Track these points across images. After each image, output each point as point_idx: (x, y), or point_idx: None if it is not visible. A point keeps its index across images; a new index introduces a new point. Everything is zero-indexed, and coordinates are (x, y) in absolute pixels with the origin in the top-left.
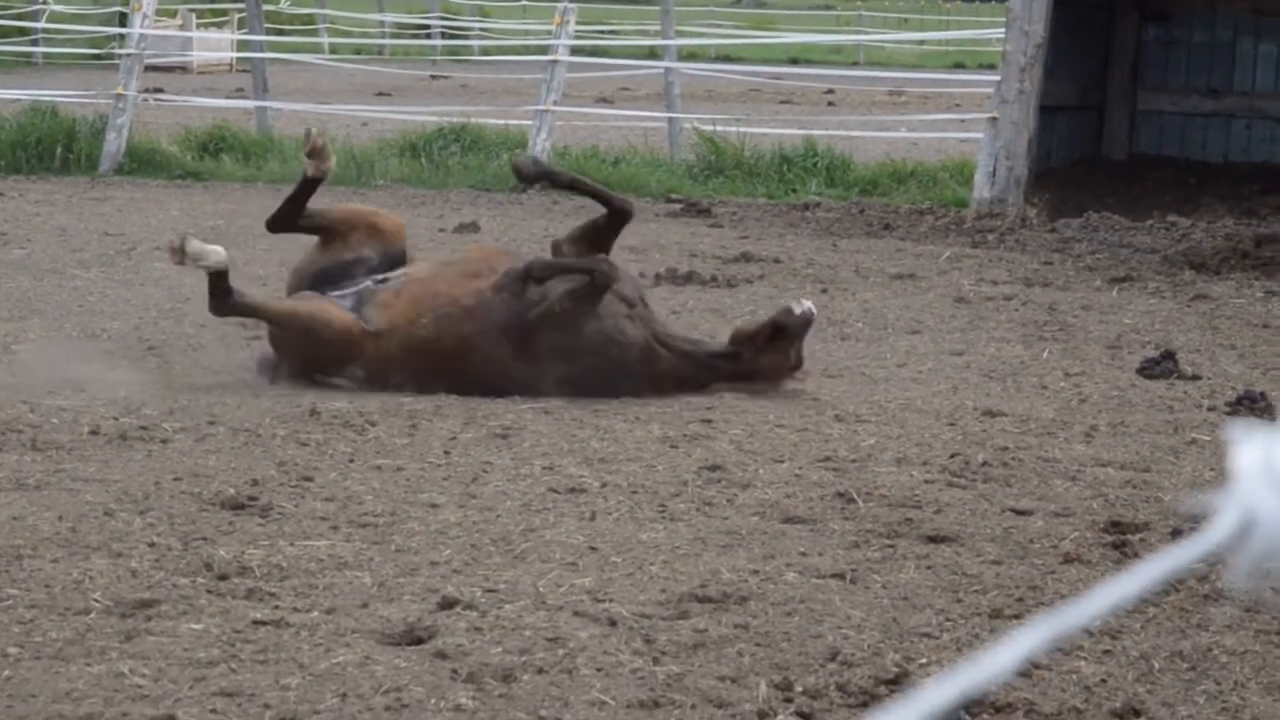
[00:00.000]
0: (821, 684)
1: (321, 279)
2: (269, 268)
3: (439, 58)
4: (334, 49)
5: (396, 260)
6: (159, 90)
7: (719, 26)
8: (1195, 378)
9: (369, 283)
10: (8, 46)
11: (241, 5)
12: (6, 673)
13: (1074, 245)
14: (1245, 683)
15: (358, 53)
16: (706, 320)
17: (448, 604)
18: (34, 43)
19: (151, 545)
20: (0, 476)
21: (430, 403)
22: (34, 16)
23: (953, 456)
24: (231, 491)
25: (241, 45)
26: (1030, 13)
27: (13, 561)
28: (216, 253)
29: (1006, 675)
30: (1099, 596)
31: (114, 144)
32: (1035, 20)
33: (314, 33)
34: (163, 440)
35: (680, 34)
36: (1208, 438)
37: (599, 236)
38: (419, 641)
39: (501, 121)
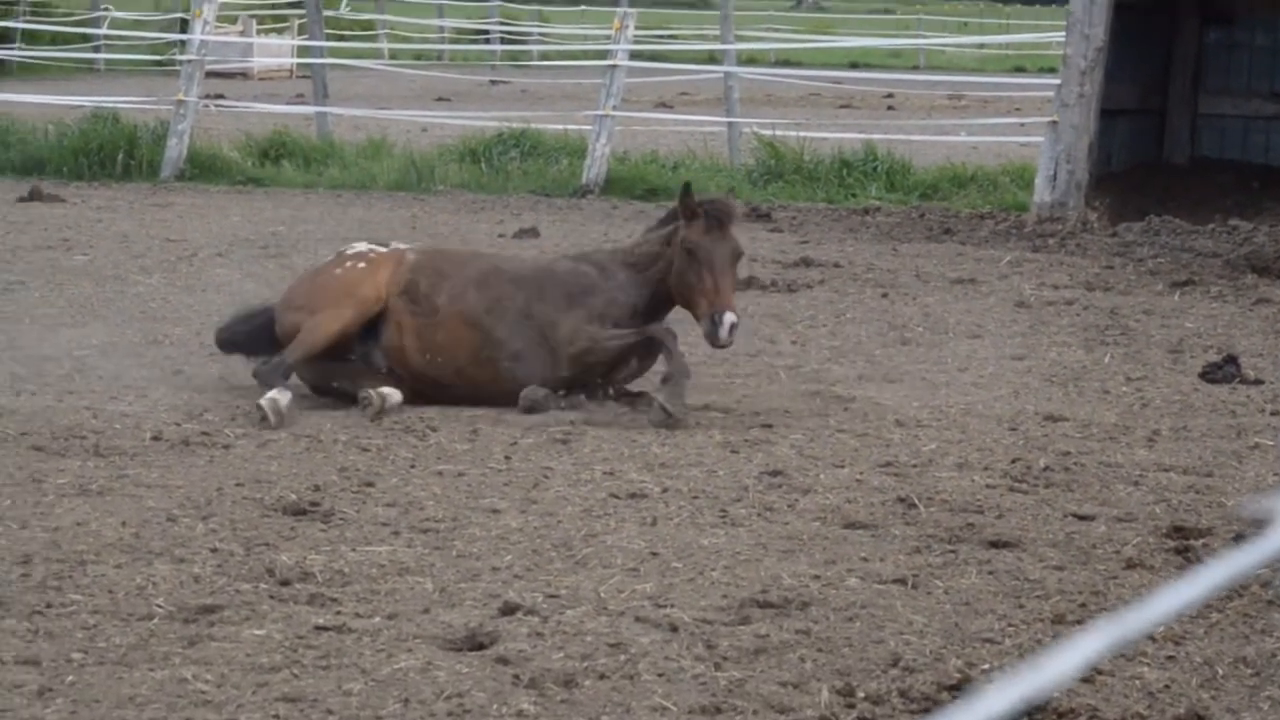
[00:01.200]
0: (883, 690)
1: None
2: None
3: (498, 63)
4: (394, 54)
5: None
6: (220, 96)
7: (778, 31)
8: (1258, 382)
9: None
10: (70, 53)
11: (302, 11)
12: (71, 678)
13: (1135, 249)
14: None
15: (417, 58)
16: (767, 325)
17: (509, 609)
18: (96, 49)
19: (214, 551)
20: (63, 482)
21: (491, 409)
22: (96, 23)
23: (1014, 461)
24: (293, 497)
25: (302, 51)
26: (1091, 16)
27: (76, 567)
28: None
29: (1070, 681)
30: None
31: (175, 150)
32: (1096, 24)
33: (374, 38)
34: (225, 446)
35: (739, 39)
36: (1270, 442)
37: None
38: (480, 647)
39: (561, 126)
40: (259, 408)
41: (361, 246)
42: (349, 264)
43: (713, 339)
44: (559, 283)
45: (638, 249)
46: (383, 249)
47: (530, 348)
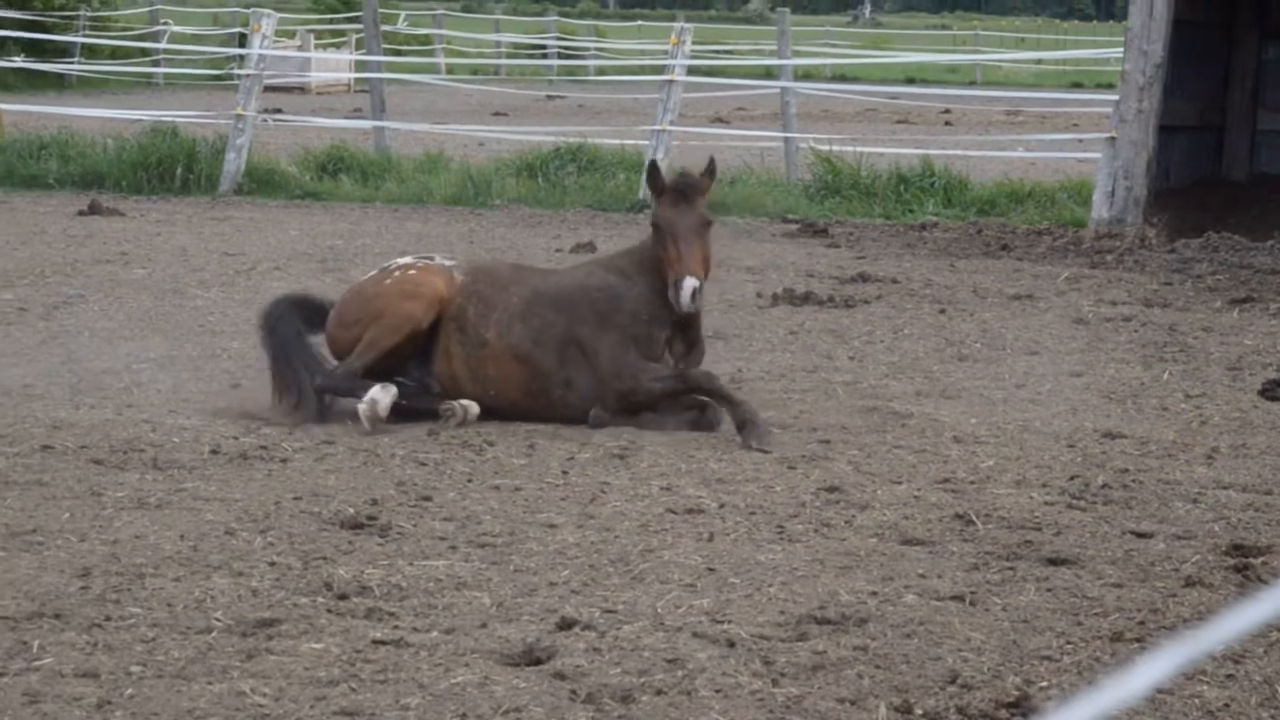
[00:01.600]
0: (941, 706)
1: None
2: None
3: (555, 78)
4: (451, 69)
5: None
6: (278, 111)
7: (835, 46)
8: None
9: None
10: (129, 67)
11: (359, 26)
12: (130, 691)
13: (1194, 266)
14: None
15: (474, 73)
16: (824, 341)
17: (566, 624)
18: (155, 64)
19: (272, 564)
20: (122, 495)
21: (548, 424)
22: (155, 37)
23: (1072, 478)
24: (351, 511)
25: (359, 66)
26: (1149, 32)
27: (135, 580)
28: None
29: (1132, 701)
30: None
31: (233, 164)
32: (1154, 40)
33: (431, 53)
34: (282, 460)
35: (796, 54)
36: None
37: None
38: (538, 662)
39: (618, 141)
40: (353, 416)
41: (405, 260)
42: (398, 274)
43: (676, 303)
44: (591, 302)
45: (642, 248)
46: (428, 260)
47: (579, 374)
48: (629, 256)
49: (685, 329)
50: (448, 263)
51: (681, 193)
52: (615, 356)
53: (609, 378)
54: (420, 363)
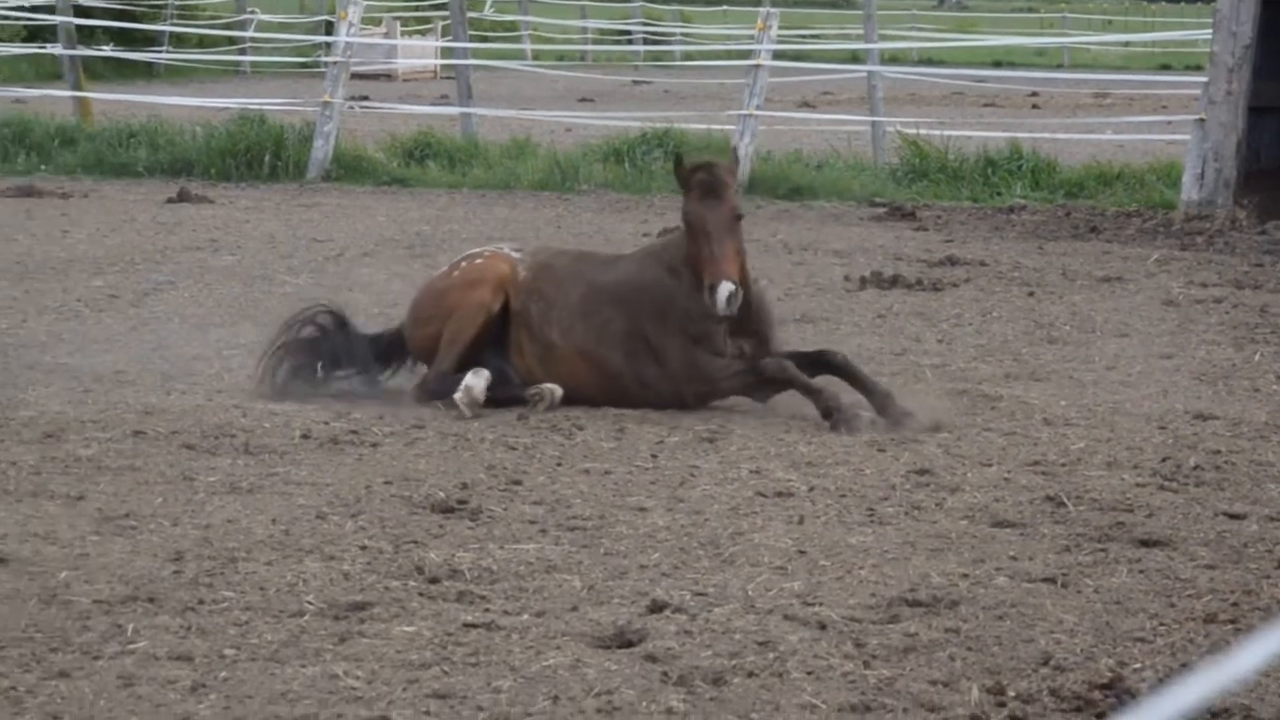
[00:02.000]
0: (1034, 689)
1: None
2: None
3: (641, 63)
4: (537, 55)
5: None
6: (365, 98)
7: (921, 30)
8: None
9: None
10: (217, 56)
11: (446, 12)
12: (224, 674)
13: None
14: None
15: (560, 59)
16: (912, 324)
17: (657, 607)
18: (242, 52)
19: (363, 548)
20: (214, 480)
21: (637, 409)
22: (242, 26)
23: (1164, 460)
24: (441, 495)
25: (446, 52)
26: (1238, 13)
27: (228, 564)
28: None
29: (1229, 684)
30: None
31: (321, 151)
32: (1243, 21)
33: (517, 39)
34: (373, 444)
35: (883, 38)
36: None
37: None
38: (629, 644)
39: (704, 126)
40: (451, 406)
41: (472, 251)
42: (464, 264)
43: (711, 308)
44: (648, 297)
45: (680, 246)
46: (494, 250)
47: (653, 370)
48: (675, 249)
49: (744, 321)
50: (514, 254)
51: (709, 187)
52: (684, 359)
53: (682, 381)
54: (497, 352)
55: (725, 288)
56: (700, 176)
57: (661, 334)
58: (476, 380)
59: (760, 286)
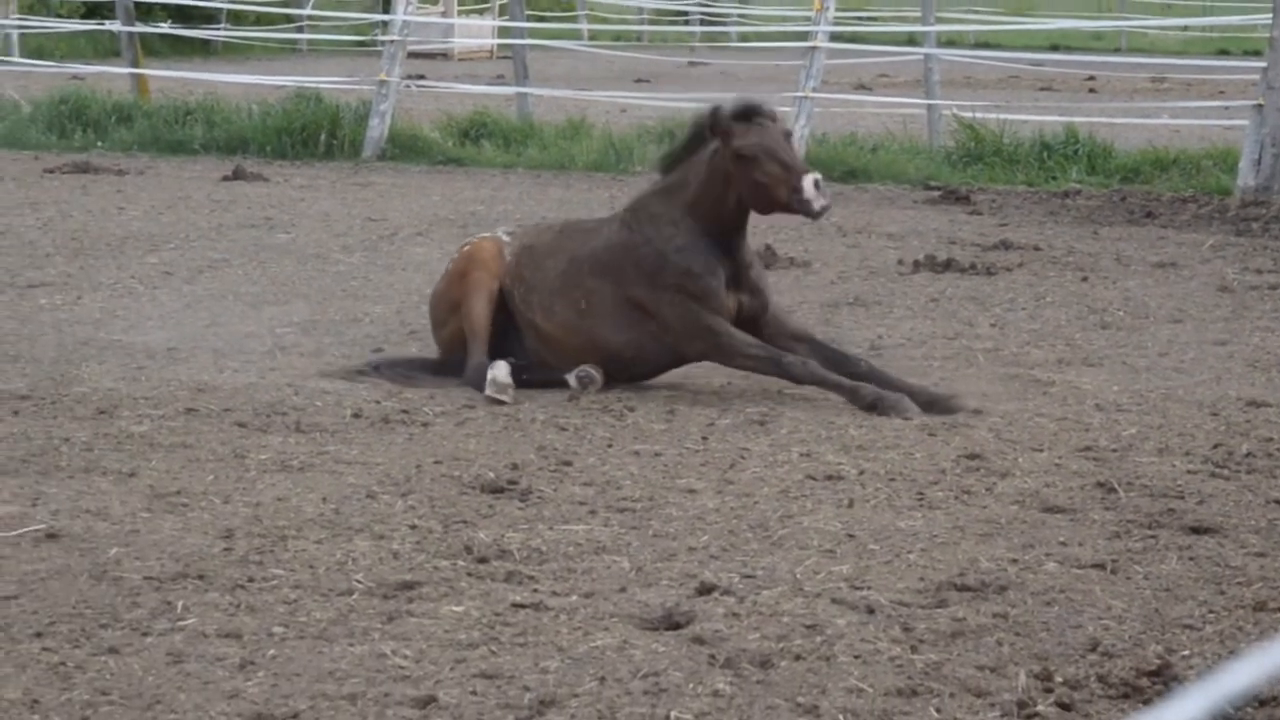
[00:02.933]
0: (1082, 675)
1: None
2: None
3: (697, 44)
4: (593, 35)
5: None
6: (421, 77)
7: (978, 12)
8: None
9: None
10: (274, 33)
11: None
12: (272, 651)
13: None
14: None
15: (617, 39)
16: (965, 308)
17: (705, 589)
18: (299, 30)
19: (413, 528)
20: (265, 458)
21: (688, 389)
22: (299, 4)
23: (1216, 447)
24: (491, 475)
25: (502, 32)
26: None
27: (278, 542)
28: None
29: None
30: None
31: (377, 130)
32: None
33: (574, 19)
34: (423, 424)
35: (939, 20)
36: None
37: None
38: (677, 626)
39: None
40: (490, 399)
41: (465, 240)
42: (455, 256)
43: (807, 209)
44: (635, 259)
45: (687, 192)
46: (487, 234)
47: (647, 336)
48: (665, 200)
49: (740, 277)
50: (505, 237)
51: (747, 115)
52: (680, 315)
53: (683, 341)
54: (509, 334)
55: (809, 179)
56: (741, 111)
57: (655, 295)
58: (498, 370)
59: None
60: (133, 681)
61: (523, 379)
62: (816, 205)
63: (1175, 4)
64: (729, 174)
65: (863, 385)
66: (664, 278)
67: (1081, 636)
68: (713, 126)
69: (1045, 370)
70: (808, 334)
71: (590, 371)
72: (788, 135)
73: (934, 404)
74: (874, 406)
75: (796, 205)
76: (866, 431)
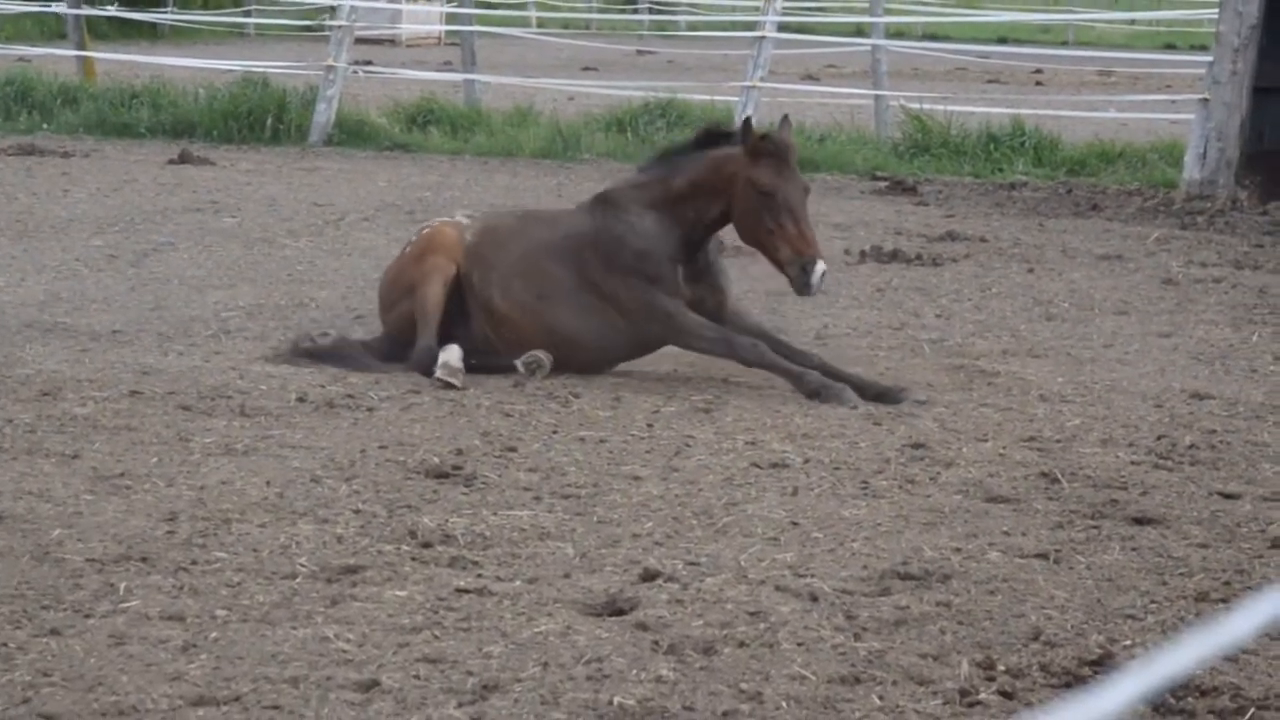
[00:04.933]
0: (1024, 663)
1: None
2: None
3: (646, 33)
4: (541, 23)
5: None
6: (368, 62)
7: (926, 4)
8: None
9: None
10: (221, 18)
11: None
12: (214, 634)
13: None
14: None
15: (565, 27)
16: (911, 299)
17: (649, 576)
18: (246, 14)
19: (357, 512)
20: (209, 442)
21: (634, 376)
22: None
23: (1159, 438)
24: (436, 460)
25: (450, 18)
26: None
27: (221, 525)
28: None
29: (1213, 659)
30: None
31: (324, 115)
32: (1250, 0)
33: (522, 7)
34: (369, 409)
35: (888, 11)
36: None
37: None
38: (620, 612)
39: (708, 97)
40: (438, 382)
41: (422, 224)
42: (412, 240)
43: (803, 288)
44: (593, 244)
45: (666, 186)
46: (445, 219)
47: (604, 324)
48: (635, 193)
49: (703, 271)
50: (464, 220)
51: (785, 158)
52: (636, 298)
53: (639, 324)
54: (459, 322)
55: (821, 266)
56: (780, 146)
57: (612, 279)
58: (448, 354)
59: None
60: (74, 663)
61: (470, 364)
62: (811, 290)
63: None
64: (732, 190)
65: (808, 372)
66: (620, 260)
67: (1024, 625)
68: (745, 141)
69: (990, 361)
70: (764, 331)
71: (539, 356)
72: (807, 192)
73: (882, 396)
74: (817, 394)
75: (794, 276)
76: (812, 420)
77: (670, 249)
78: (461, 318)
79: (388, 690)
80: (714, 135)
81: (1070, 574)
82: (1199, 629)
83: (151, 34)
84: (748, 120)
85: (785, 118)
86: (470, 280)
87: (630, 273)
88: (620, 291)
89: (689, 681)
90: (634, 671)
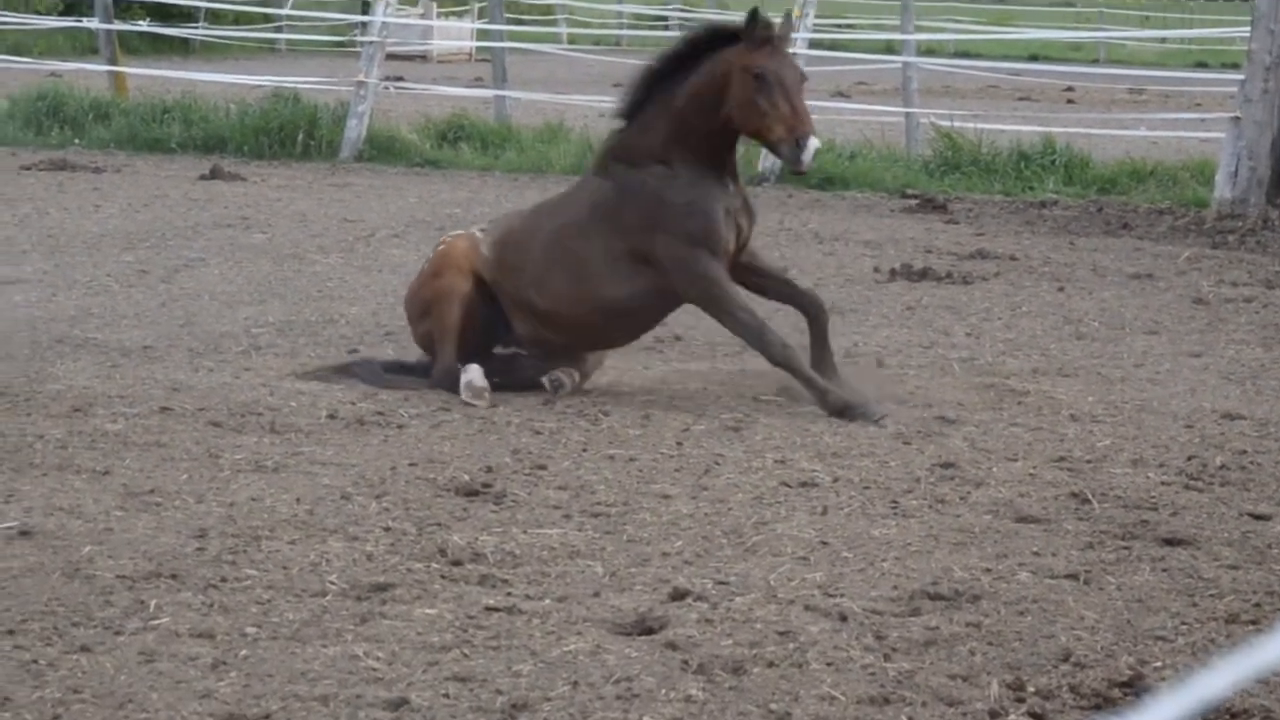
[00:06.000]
0: (1054, 685)
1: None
2: None
3: None
4: (572, 39)
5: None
6: (399, 78)
7: (958, 21)
8: None
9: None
10: (253, 33)
11: None
12: (244, 652)
13: None
14: None
15: (596, 43)
16: (941, 317)
17: (679, 595)
18: (278, 29)
19: (387, 530)
20: (239, 458)
21: (663, 395)
22: (279, 3)
23: (1190, 459)
24: (466, 478)
25: (481, 34)
26: (1277, 11)
27: (251, 543)
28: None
29: (1245, 682)
30: None
31: (354, 131)
32: None
33: (553, 23)
34: (399, 426)
35: (919, 29)
36: None
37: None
38: (650, 632)
39: None
40: (465, 403)
41: (440, 239)
42: (430, 256)
43: (796, 164)
44: (630, 209)
45: (669, 114)
46: (461, 233)
47: (648, 284)
48: (640, 141)
49: (736, 198)
50: (479, 234)
51: (778, 44)
52: (682, 259)
53: (680, 284)
54: (500, 334)
55: (814, 142)
56: (778, 31)
57: (653, 240)
58: (472, 374)
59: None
60: (105, 680)
61: (495, 382)
62: (804, 165)
63: (1154, 16)
64: (726, 86)
65: (832, 390)
66: (664, 220)
67: (1054, 646)
68: (750, 27)
69: (1020, 380)
70: (774, 272)
71: (560, 377)
72: (804, 79)
73: (842, 412)
74: (841, 413)
75: (786, 152)
76: (841, 439)
77: (708, 192)
78: (502, 326)
79: (417, 709)
80: (698, 45)
81: (1100, 595)
82: (1230, 651)
83: (183, 49)
84: (754, 10)
85: (787, 14)
86: (502, 289)
87: (674, 230)
88: (662, 250)
89: (718, 701)
90: (663, 691)
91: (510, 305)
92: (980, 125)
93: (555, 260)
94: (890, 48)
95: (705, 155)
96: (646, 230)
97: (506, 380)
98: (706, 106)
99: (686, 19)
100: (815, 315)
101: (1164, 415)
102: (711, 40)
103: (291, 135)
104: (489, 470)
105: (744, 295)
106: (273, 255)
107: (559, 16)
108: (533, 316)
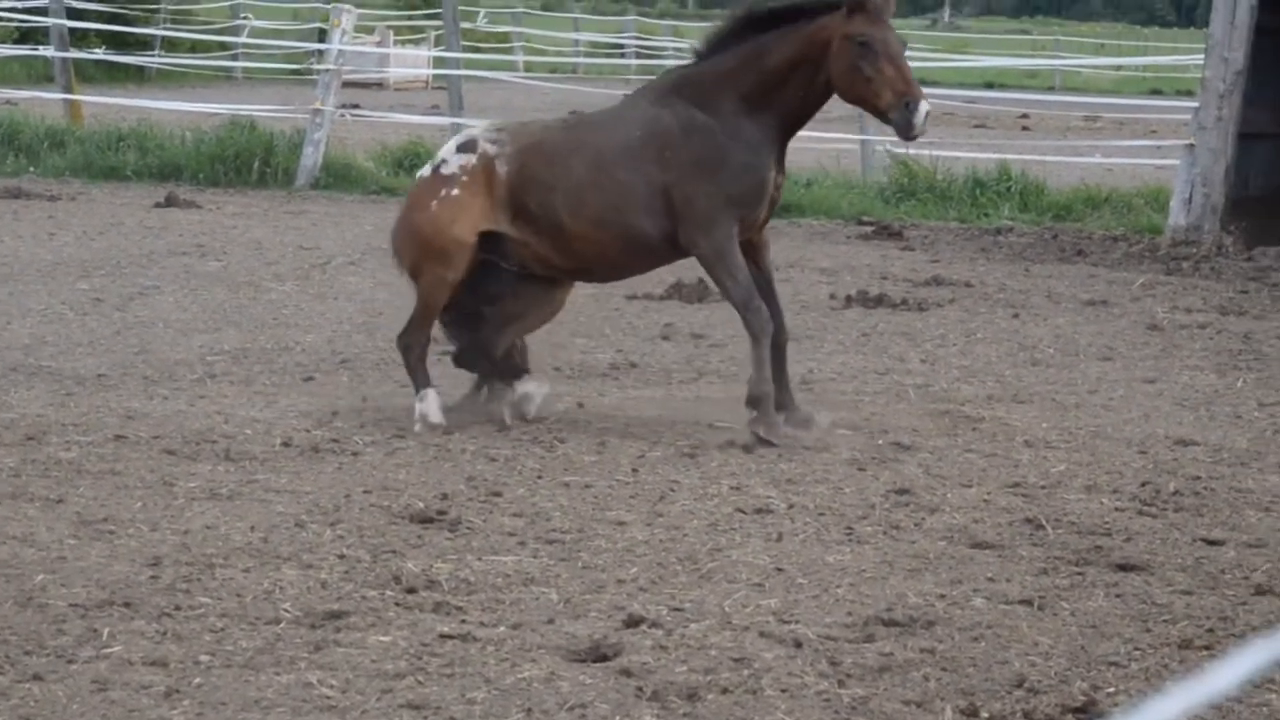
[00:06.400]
0: (1008, 710)
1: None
2: None
3: (633, 77)
4: (529, 67)
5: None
6: (356, 106)
7: (914, 50)
8: None
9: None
10: (209, 61)
11: (439, 23)
12: (198, 680)
13: (1271, 274)
14: None
15: (552, 71)
16: (897, 344)
17: (633, 622)
18: (234, 58)
19: (341, 557)
20: (194, 486)
21: (619, 421)
22: (235, 31)
23: (1143, 485)
24: (420, 505)
25: (438, 62)
26: (1230, 39)
27: (205, 571)
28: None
29: (1198, 708)
30: None
31: (310, 158)
32: (1235, 47)
33: (509, 51)
34: (353, 453)
35: None
36: None
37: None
38: (604, 659)
39: None
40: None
41: (452, 162)
42: (442, 194)
43: (908, 128)
44: (682, 144)
45: (760, 73)
46: (471, 158)
47: (669, 223)
48: (717, 83)
49: (782, 160)
50: (490, 148)
51: (880, 13)
52: (709, 212)
53: (693, 230)
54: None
55: (925, 106)
56: (878, 1)
57: (693, 184)
58: (428, 406)
59: None
60: (57, 709)
61: (448, 405)
62: (916, 130)
63: (1109, 44)
64: (825, 53)
65: (767, 384)
66: (719, 172)
67: (1008, 672)
68: None
69: (975, 406)
70: (771, 279)
71: (530, 391)
72: (904, 44)
73: (757, 406)
74: (754, 405)
75: (896, 118)
76: (796, 465)
77: (767, 153)
78: (492, 279)
79: None
80: (793, 12)
81: (1054, 621)
82: (1183, 676)
83: (138, 77)
84: None
85: None
86: (524, 209)
87: (725, 184)
88: (700, 200)
89: None
90: (618, 718)
91: (523, 222)
92: (936, 152)
93: (596, 182)
94: None
95: (777, 119)
96: (696, 175)
97: (460, 359)
98: (800, 71)
99: (643, 47)
100: (776, 335)
101: (1118, 441)
102: (813, 5)
103: (247, 163)
104: (444, 497)
105: (742, 261)
106: (228, 283)
107: (515, 44)
108: (551, 237)
